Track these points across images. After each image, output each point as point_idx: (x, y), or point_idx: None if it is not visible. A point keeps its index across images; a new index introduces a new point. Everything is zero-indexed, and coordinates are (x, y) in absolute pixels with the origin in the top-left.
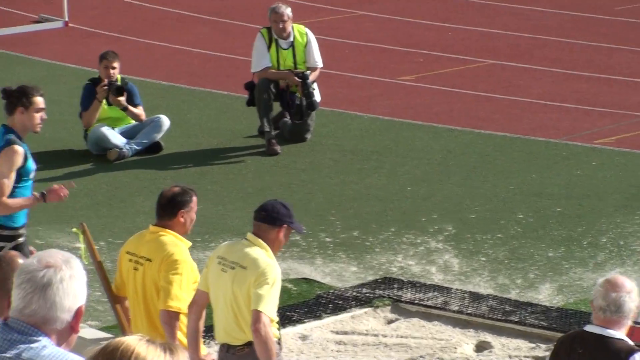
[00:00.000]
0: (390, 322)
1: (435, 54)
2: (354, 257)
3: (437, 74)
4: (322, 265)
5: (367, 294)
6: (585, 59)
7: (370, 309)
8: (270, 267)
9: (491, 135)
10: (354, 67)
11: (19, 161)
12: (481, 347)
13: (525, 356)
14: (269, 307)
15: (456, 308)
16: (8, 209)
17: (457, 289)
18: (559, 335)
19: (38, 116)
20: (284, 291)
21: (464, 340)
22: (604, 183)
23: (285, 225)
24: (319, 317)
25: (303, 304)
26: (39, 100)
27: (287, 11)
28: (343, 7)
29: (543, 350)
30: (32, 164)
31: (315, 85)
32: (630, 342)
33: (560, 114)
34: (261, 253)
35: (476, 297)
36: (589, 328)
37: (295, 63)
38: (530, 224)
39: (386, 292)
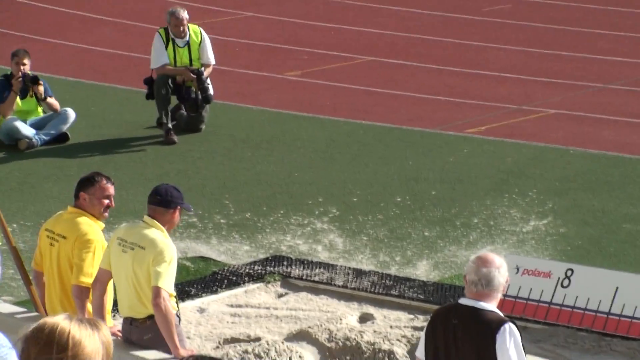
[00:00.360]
0: (280, 296)
1: (319, 52)
2: (246, 237)
3: (321, 69)
4: (217, 245)
5: (259, 271)
6: (457, 55)
7: (262, 284)
8: (167, 247)
9: (371, 125)
10: (244, 64)
11: None
12: (364, 318)
13: (404, 326)
14: (167, 283)
15: (341, 283)
16: None
17: (341, 266)
18: (436, 307)
19: None
20: (183, 268)
21: (349, 312)
22: (475, 169)
23: (178, 207)
24: (215, 292)
25: (200, 280)
26: None
27: (184, 14)
28: (234, 9)
29: (421, 321)
30: None
31: (209, 81)
32: (501, 314)
33: (434, 106)
34: (158, 234)
35: (359, 273)
36: (462, 301)
37: (190, 60)
38: (407, 206)
39: (276, 269)
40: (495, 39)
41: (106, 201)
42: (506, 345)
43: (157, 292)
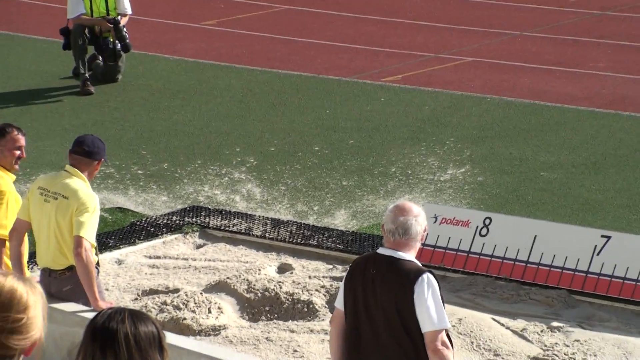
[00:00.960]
0: (199, 246)
1: (235, 0)
2: (164, 188)
3: (236, 19)
4: (134, 196)
5: (177, 222)
6: (373, 3)
7: (180, 235)
8: (90, 197)
9: (288, 74)
10: (160, 13)
11: None
12: (283, 268)
13: (323, 276)
14: (90, 233)
15: (259, 233)
16: None
17: (259, 216)
18: (354, 257)
19: None
20: (101, 220)
21: (267, 263)
22: (392, 117)
23: (102, 159)
24: (133, 243)
25: (118, 231)
26: None
27: None
28: None
29: (340, 271)
30: None
31: (126, 29)
32: (419, 264)
33: (351, 54)
34: (81, 184)
35: (277, 223)
36: (381, 250)
37: (107, 10)
38: (325, 155)
39: (194, 220)
40: None
41: (17, 152)
42: (424, 295)
43: (78, 241)
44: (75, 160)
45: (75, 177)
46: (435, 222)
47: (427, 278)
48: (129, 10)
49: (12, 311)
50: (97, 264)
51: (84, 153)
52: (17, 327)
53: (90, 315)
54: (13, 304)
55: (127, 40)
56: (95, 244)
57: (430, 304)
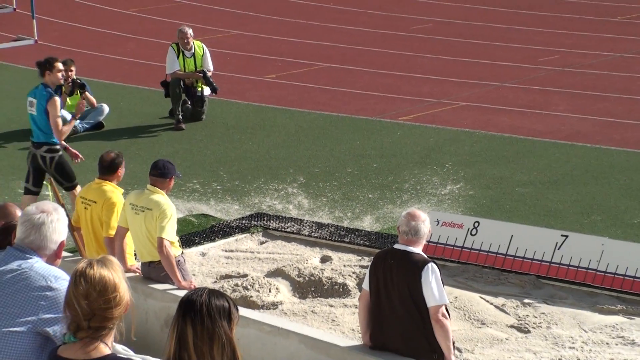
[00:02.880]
0: (262, 243)
1: (289, 60)
2: (236, 199)
3: (290, 73)
4: (214, 205)
5: (246, 224)
6: (391, 62)
7: (248, 234)
8: (168, 206)
9: (328, 115)
10: (234, 69)
11: (59, 105)
12: (324, 259)
13: (354, 265)
14: (169, 233)
15: (307, 233)
16: (64, 134)
17: (307, 220)
18: (377, 251)
19: (59, 74)
20: (189, 223)
21: (313, 255)
22: (406, 147)
23: (173, 176)
24: (213, 240)
25: (202, 231)
26: (59, 65)
27: (190, 31)
28: (225, 28)
29: (367, 261)
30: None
31: (211, 79)
32: (425, 256)
33: (375, 100)
34: (159, 197)
35: (320, 225)
36: (396, 246)
37: (195, 67)
38: (356, 175)
39: (259, 223)
40: (420, 50)
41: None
42: (429, 279)
43: (160, 242)
44: (153, 180)
45: (154, 192)
46: (437, 225)
47: (431, 266)
48: (211, 68)
49: (108, 292)
50: (182, 254)
51: (158, 174)
52: (116, 302)
53: (180, 293)
54: (108, 287)
55: (214, 85)
56: (175, 240)
57: (433, 285)
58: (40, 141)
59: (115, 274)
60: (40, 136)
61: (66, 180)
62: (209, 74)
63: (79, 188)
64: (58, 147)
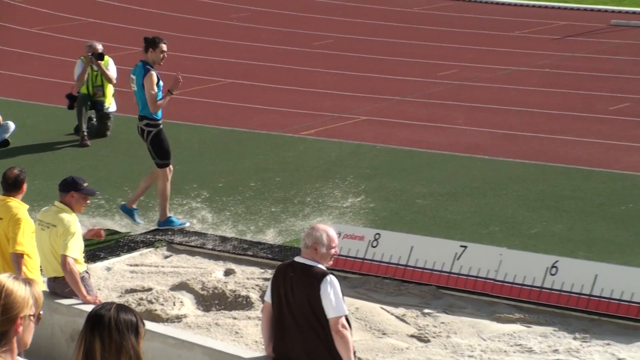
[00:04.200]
0: (166, 257)
1: (194, 76)
2: (141, 214)
3: (194, 89)
4: (119, 220)
5: (150, 239)
6: (294, 78)
7: (152, 248)
8: (72, 223)
9: (231, 130)
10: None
11: (156, 80)
12: (228, 272)
13: (257, 278)
14: (72, 250)
15: (210, 246)
16: (159, 107)
17: (210, 234)
18: (279, 263)
19: (161, 54)
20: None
21: (216, 268)
22: (307, 161)
23: (72, 192)
24: (118, 255)
25: (107, 246)
26: (163, 45)
27: (99, 46)
28: (130, 46)
29: (269, 274)
30: (159, 81)
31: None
32: (324, 268)
33: (278, 115)
34: (65, 214)
35: (224, 239)
36: (297, 259)
37: (102, 81)
38: (259, 189)
39: (163, 237)
40: (322, 65)
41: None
42: (327, 291)
43: (63, 259)
44: (60, 196)
45: (60, 209)
46: (340, 237)
47: (330, 279)
48: (114, 75)
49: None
50: (87, 270)
51: (59, 189)
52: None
53: (86, 307)
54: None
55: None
56: (79, 257)
57: (332, 297)
58: (141, 114)
59: (17, 284)
60: (141, 110)
61: (158, 156)
62: (114, 82)
63: (171, 168)
64: (157, 121)
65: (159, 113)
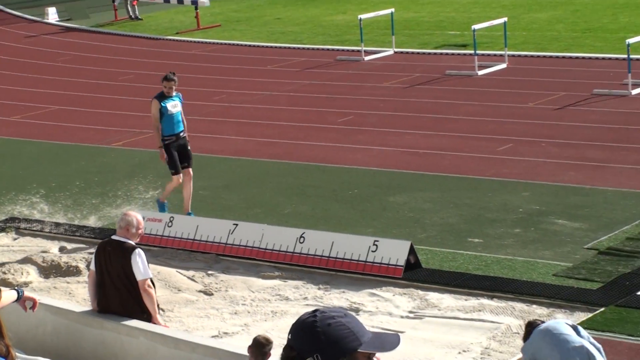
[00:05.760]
0: (15, 239)
1: (29, 105)
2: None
3: (30, 114)
4: None
5: (2, 226)
6: (106, 104)
7: (4, 233)
8: None
9: (61, 144)
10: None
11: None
12: (62, 249)
13: (84, 252)
14: None
15: (48, 230)
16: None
17: (48, 221)
18: (100, 241)
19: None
20: None
21: (53, 246)
22: (118, 165)
23: None
24: None
25: None
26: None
27: None
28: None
29: (93, 249)
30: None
31: None
32: (133, 243)
33: (94, 132)
34: None
35: (58, 224)
36: (113, 237)
37: None
38: (82, 187)
39: (12, 225)
40: (126, 94)
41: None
42: (136, 260)
43: None
44: None
45: None
46: (144, 220)
47: (138, 251)
48: None
49: None
50: None
51: None
52: None
53: None
54: None
55: None
56: None
57: (140, 265)
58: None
59: None
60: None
61: (168, 166)
62: None
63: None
64: (164, 138)
65: (166, 130)
